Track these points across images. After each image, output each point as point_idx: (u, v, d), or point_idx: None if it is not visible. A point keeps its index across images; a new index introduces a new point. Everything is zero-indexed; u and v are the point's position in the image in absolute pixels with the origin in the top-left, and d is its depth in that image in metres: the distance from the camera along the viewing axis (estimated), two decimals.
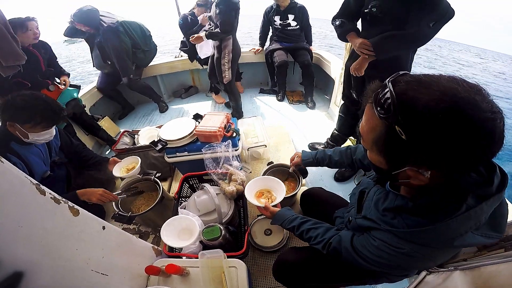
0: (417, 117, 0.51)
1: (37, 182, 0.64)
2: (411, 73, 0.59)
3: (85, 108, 2.56)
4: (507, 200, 1.33)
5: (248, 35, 16.78)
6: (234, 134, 1.79)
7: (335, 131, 2.31)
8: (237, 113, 3.03)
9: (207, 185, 1.46)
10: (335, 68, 2.91)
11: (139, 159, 1.75)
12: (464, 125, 0.48)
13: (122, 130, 2.37)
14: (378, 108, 0.57)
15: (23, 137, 1.38)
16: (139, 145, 2.12)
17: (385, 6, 1.54)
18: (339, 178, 2.18)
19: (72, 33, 2.76)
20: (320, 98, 3.46)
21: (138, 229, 1.82)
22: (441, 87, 0.50)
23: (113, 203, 1.57)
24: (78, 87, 2.56)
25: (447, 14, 1.47)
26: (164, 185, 2.04)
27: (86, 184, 1.83)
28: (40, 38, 2.19)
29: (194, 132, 1.78)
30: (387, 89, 0.55)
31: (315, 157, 1.41)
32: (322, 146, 2.45)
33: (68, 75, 2.51)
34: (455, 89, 0.49)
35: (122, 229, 1.77)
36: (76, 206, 0.78)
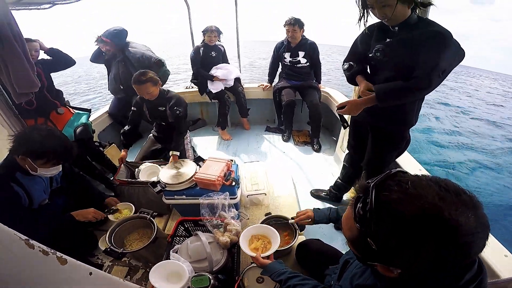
0: (393, 234, 0.51)
1: (26, 237, 0.67)
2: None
3: (94, 134, 2.62)
4: None
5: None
6: (233, 183, 1.80)
7: (338, 180, 2.27)
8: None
9: (200, 233, 1.47)
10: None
11: (133, 207, 1.92)
12: (440, 248, 0.49)
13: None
14: (356, 212, 0.58)
15: (32, 170, 1.44)
16: (139, 180, 2.16)
17: (390, 51, 1.47)
18: (339, 227, 2.11)
19: (96, 58, 3.05)
20: (326, 140, 3.44)
21: (129, 262, 1.80)
22: (426, 203, 0.50)
23: (106, 237, 1.60)
24: (88, 111, 2.63)
25: (457, 58, 1.37)
26: (161, 222, 2.05)
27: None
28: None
29: (194, 178, 1.81)
30: (369, 196, 0.55)
31: (328, 216, 1.43)
32: (325, 194, 2.41)
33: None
34: (440, 208, 0.49)
35: (112, 260, 1.79)
36: (64, 256, 0.79)
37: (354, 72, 1.73)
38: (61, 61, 2.35)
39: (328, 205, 2.34)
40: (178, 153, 2.31)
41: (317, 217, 1.45)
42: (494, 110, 13.00)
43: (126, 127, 2.48)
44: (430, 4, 1.45)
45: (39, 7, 2.49)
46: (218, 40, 3.38)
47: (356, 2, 1.46)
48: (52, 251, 0.74)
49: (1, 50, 1.74)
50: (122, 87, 3.06)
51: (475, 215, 0.49)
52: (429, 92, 1.44)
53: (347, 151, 2.15)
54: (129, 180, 2.13)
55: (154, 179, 2.05)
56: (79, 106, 2.60)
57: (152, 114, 2.48)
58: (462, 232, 0.48)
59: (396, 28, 1.44)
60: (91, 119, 2.75)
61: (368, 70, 1.73)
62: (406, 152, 1.89)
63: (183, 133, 2.49)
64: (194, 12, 3.63)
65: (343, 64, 1.80)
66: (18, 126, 2.18)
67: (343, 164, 2.20)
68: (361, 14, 1.47)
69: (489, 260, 1.23)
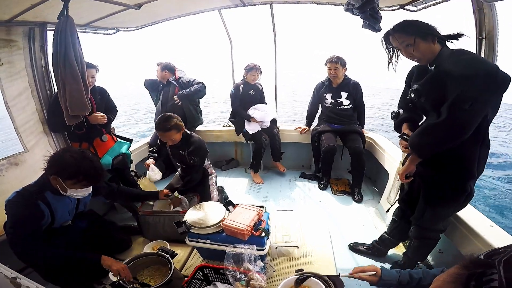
0: None
1: (14, 276, 0.58)
2: None
3: (131, 163, 2.68)
4: None
5: None
6: (263, 234, 1.67)
7: (385, 234, 2.00)
8: None
9: (218, 284, 1.36)
10: (391, 159, 2.60)
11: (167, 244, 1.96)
12: None
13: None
14: None
15: (62, 190, 1.46)
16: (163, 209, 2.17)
17: (423, 91, 1.37)
18: None
19: (151, 85, 3.32)
20: (368, 190, 3.10)
21: None
22: None
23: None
24: (130, 141, 2.73)
25: (493, 85, 1.17)
26: (179, 261, 1.93)
27: (100, 240, 1.92)
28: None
29: (221, 224, 1.72)
30: (494, 273, 0.45)
31: (398, 279, 1.18)
32: (365, 248, 2.13)
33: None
34: None
35: None
36: None
37: (401, 120, 1.62)
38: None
39: (368, 260, 2.07)
40: (182, 197, 2.20)
41: (385, 276, 1.19)
42: None
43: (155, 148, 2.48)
44: (460, 35, 1.34)
45: (104, 32, 2.82)
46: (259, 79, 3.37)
47: (382, 45, 1.47)
48: None
49: (62, 72, 1.89)
50: None
51: None
52: (460, 131, 1.22)
53: (397, 204, 1.91)
54: (154, 210, 2.14)
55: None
56: (122, 135, 2.72)
57: (173, 155, 2.47)
58: None
59: (433, 67, 1.37)
60: (132, 148, 2.84)
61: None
62: (468, 205, 1.61)
63: (193, 182, 2.38)
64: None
65: (391, 112, 1.70)
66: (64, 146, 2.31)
67: (393, 218, 1.94)
68: (389, 57, 1.47)
69: None
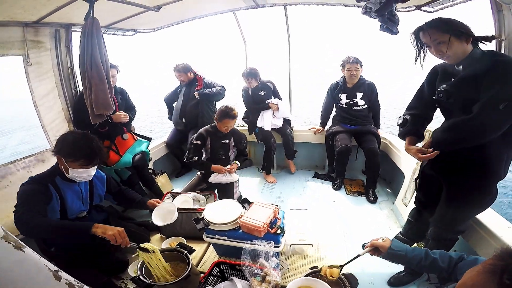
0: None
1: (56, 269, 0.63)
2: None
3: (149, 161, 2.77)
4: None
5: None
6: (279, 231, 1.71)
7: (399, 235, 1.99)
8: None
9: (235, 279, 1.38)
10: (407, 160, 2.56)
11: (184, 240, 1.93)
12: None
13: (170, 190, 2.48)
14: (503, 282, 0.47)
15: (65, 171, 1.54)
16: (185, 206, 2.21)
17: (454, 91, 1.33)
18: (394, 283, 1.79)
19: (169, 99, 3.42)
20: (383, 191, 3.07)
21: None
22: None
23: (138, 265, 1.53)
24: (149, 139, 2.82)
25: None
26: (195, 257, 1.96)
27: None
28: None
29: (238, 221, 1.77)
30: None
31: (410, 253, 1.26)
32: None
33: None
34: None
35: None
36: None
37: (407, 132, 1.61)
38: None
39: (382, 260, 2.06)
40: (238, 164, 2.54)
41: (395, 246, 1.29)
42: None
43: (196, 158, 2.43)
44: (493, 38, 1.34)
45: (124, 33, 2.92)
46: (258, 81, 3.31)
47: (410, 41, 1.42)
48: (78, 284, 0.69)
49: (89, 72, 1.97)
50: (183, 121, 3.27)
51: None
52: (490, 128, 1.22)
53: (412, 206, 1.90)
54: None
55: (186, 206, 2.21)
56: (142, 134, 2.81)
57: (214, 146, 2.53)
58: None
59: (461, 66, 1.35)
60: (150, 146, 2.93)
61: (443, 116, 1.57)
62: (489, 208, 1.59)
63: (246, 157, 2.74)
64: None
65: (399, 117, 1.69)
66: None
67: (408, 219, 1.93)
68: (417, 54, 1.43)
69: None
